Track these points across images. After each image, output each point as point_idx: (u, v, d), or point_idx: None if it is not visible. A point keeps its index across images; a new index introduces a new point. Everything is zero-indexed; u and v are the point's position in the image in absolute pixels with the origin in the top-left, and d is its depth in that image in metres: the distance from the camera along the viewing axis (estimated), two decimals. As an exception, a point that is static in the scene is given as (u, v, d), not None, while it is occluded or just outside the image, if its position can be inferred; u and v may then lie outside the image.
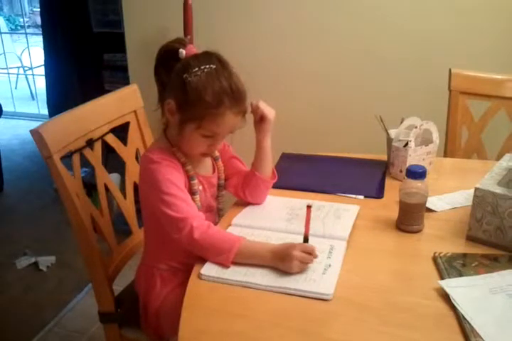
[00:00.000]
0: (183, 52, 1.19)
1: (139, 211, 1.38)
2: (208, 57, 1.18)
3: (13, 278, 2.44)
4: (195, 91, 1.14)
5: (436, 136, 1.54)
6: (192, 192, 1.26)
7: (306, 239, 1.12)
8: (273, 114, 1.30)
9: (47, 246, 2.67)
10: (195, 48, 1.21)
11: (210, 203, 1.37)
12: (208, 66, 1.15)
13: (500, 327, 0.91)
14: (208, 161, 1.36)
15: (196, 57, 1.18)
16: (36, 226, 2.90)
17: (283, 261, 1.06)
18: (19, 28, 8.27)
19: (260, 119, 1.30)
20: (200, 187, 1.30)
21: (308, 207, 1.10)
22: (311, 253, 1.07)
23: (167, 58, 1.21)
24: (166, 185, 1.18)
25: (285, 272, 1.06)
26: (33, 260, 2.55)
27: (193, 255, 1.15)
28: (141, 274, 1.39)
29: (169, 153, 1.24)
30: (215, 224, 1.26)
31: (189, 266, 1.15)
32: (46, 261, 2.55)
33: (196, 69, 1.15)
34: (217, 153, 1.36)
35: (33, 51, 5.37)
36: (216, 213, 1.41)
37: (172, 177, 1.19)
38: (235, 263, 1.10)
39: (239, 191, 1.37)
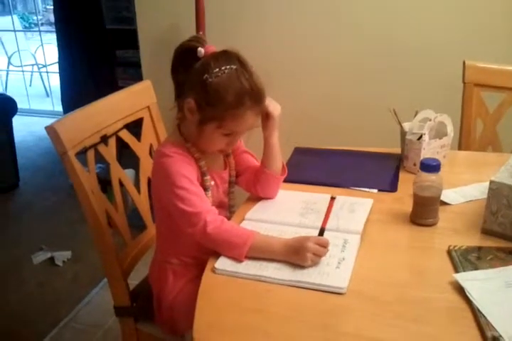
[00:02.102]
0: (201, 50, 1.18)
1: (153, 206, 1.39)
2: (228, 57, 1.18)
3: (30, 274, 2.47)
4: (216, 92, 1.14)
5: (450, 129, 1.53)
6: (204, 188, 1.26)
7: (321, 232, 1.13)
8: (278, 110, 1.29)
9: (63, 242, 2.70)
10: (213, 46, 1.20)
11: (222, 199, 1.37)
12: (228, 67, 1.15)
13: (516, 321, 0.90)
14: (220, 157, 1.36)
15: (216, 58, 1.17)
16: (52, 221, 2.93)
17: (297, 253, 1.07)
18: (33, 25, 8.33)
19: (266, 116, 1.29)
20: (213, 183, 1.30)
21: (332, 198, 1.09)
22: (325, 247, 1.08)
23: (185, 57, 1.20)
24: (178, 179, 1.18)
25: (298, 265, 1.07)
26: (49, 255, 2.58)
27: (205, 250, 1.16)
28: (154, 269, 1.40)
29: (183, 148, 1.24)
30: (228, 219, 1.27)
31: (201, 260, 1.15)
32: (62, 256, 2.57)
33: (217, 70, 1.14)
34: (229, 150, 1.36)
35: (47, 49, 5.42)
36: (227, 209, 1.41)
37: (185, 171, 1.20)
38: (249, 258, 1.10)
39: (251, 186, 1.37)
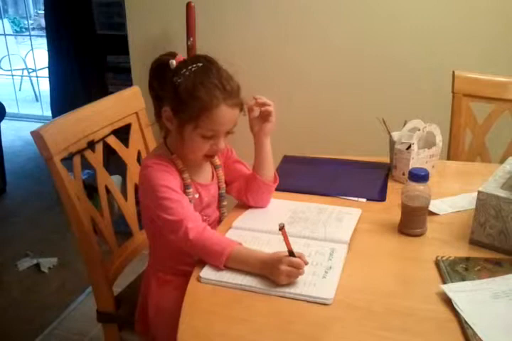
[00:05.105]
0: (173, 62, 1.20)
1: (140, 213, 1.38)
2: (195, 58, 1.21)
3: (15, 280, 2.44)
4: (186, 90, 1.14)
5: (439, 139, 1.53)
6: None
7: (291, 254, 1.05)
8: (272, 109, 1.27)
9: (49, 248, 2.67)
10: (183, 57, 1.23)
11: (208, 212, 1.34)
12: (194, 65, 1.17)
13: (504, 332, 0.90)
14: (208, 169, 1.34)
15: (184, 61, 1.20)
16: (38, 227, 2.90)
17: (271, 273, 1.04)
18: (24, 30, 8.29)
19: (261, 117, 1.28)
20: (197, 196, 1.28)
21: (281, 228, 1.04)
22: (298, 268, 1.03)
23: (160, 71, 1.22)
24: (160, 189, 1.17)
25: None
26: (34, 261, 2.55)
27: (186, 261, 1.15)
28: (144, 276, 1.40)
29: (166, 159, 1.23)
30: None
31: (183, 271, 1.15)
32: (48, 262, 2.55)
33: (184, 70, 1.16)
34: (218, 162, 1.34)
35: (38, 53, 5.38)
36: (218, 223, 1.37)
37: (165, 181, 1.18)
38: (229, 268, 1.08)
39: (242, 195, 1.35)
